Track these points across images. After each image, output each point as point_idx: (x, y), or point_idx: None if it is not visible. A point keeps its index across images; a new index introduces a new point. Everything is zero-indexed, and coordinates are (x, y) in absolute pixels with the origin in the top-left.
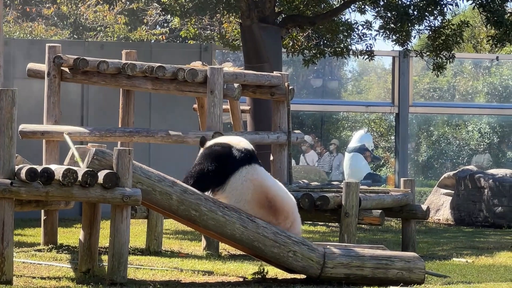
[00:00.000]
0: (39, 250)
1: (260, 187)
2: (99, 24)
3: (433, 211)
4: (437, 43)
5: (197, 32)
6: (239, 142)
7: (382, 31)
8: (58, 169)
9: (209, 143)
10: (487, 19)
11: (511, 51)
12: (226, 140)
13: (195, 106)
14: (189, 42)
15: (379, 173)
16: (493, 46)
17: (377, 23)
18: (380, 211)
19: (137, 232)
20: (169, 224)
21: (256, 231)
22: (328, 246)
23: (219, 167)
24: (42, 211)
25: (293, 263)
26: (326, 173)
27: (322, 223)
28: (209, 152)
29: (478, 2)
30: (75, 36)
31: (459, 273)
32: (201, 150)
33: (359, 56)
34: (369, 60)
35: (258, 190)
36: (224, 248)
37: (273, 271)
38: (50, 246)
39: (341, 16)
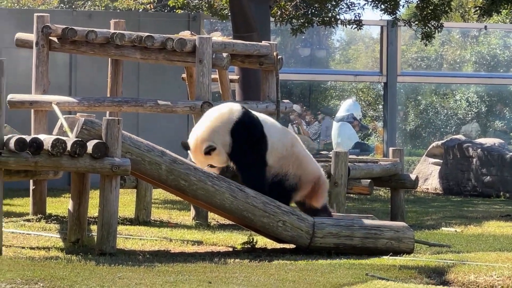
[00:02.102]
0: (28, 220)
1: None
2: None
3: (421, 181)
4: (425, 12)
5: (185, 1)
6: None
7: (370, 0)
8: (47, 139)
9: None
10: None
11: (499, 21)
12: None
13: (184, 75)
14: (177, 11)
15: (367, 142)
16: (481, 16)
17: None
18: (369, 180)
19: (126, 202)
20: (158, 194)
21: (246, 200)
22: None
23: None
24: (31, 181)
25: (282, 233)
26: (314, 142)
27: None
28: None
29: None
30: (63, 5)
31: (448, 242)
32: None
33: (347, 26)
34: (357, 30)
35: None
36: (213, 218)
37: (262, 241)
38: (39, 216)
39: None
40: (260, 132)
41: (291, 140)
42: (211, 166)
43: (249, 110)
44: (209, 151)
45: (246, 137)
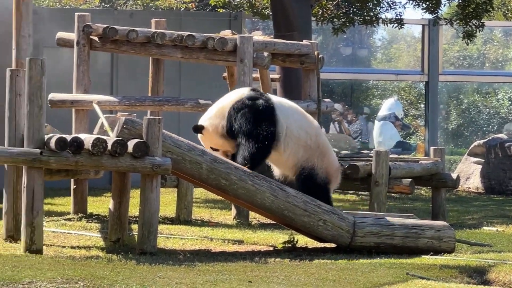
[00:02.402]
0: (69, 220)
1: None
2: None
3: (463, 180)
4: (466, 11)
5: (226, 0)
6: None
7: None
8: (87, 138)
9: None
10: None
11: None
12: None
13: (225, 75)
14: (218, 10)
15: (409, 141)
16: None
17: None
18: (410, 179)
19: (167, 201)
20: (199, 193)
21: (286, 200)
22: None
23: None
24: (72, 180)
25: (323, 232)
26: (355, 140)
27: (352, 191)
28: None
29: None
30: (104, 4)
31: (489, 242)
32: None
33: (389, 25)
34: (399, 29)
35: None
36: (255, 217)
37: (303, 240)
38: (80, 215)
39: None
40: (266, 114)
41: (316, 130)
42: (215, 149)
43: (263, 94)
44: (199, 129)
45: (248, 117)
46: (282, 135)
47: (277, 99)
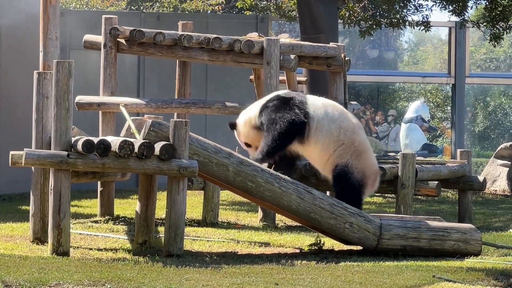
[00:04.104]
0: (96, 222)
1: None
2: None
3: (489, 182)
4: (493, 13)
5: (253, 2)
6: None
7: (438, 1)
8: (114, 141)
9: None
10: None
11: None
12: None
13: (252, 77)
14: (245, 13)
15: (435, 144)
16: None
17: None
18: (436, 182)
19: (194, 203)
20: (226, 195)
21: (313, 202)
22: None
23: None
24: (99, 182)
25: (349, 235)
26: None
27: (379, 194)
28: None
29: None
30: (131, 7)
31: None
32: None
33: (415, 27)
34: (425, 31)
35: None
36: (281, 219)
37: (329, 243)
38: (106, 217)
39: None
40: (295, 105)
41: (353, 126)
42: (248, 145)
43: (299, 93)
44: (233, 125)
45: (276, 106)
46: (313, 128)
47: (312, 96)
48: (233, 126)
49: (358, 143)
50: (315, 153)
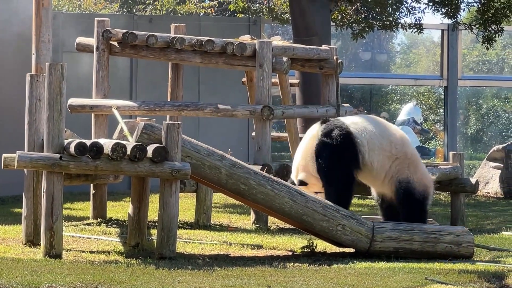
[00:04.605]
0: (88, 224)
1: None
2: None
3: (482, 185)
4: (486, 16)
5: (246, 5)
6: None
7: (431, 4)
8: (107, 143)
9: None
10: None
11: None
12: None
13: (244, 79)
14: (238, 15)
15: (428, 146)
16: None
17: None
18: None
19: (186, 206)
20: (218, 198)
21: (305, 205)
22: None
23: None
24: (91, 185)
25: (342, 237)
26: None
27: (371, 196)
28: None
29: None
30: (124, 10)
31: (508, 247)
32: None
33: (408, 30)
34: (418, 34)
35: None
36: (273, 221)
37: (322, 245)
38: (99, 220)
39: None
40: (343, 145)
41: (401, 139)
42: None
43: (335, 122)
44: (302, 183)
45: (328, 154)
46: (366, 152)
47: (350, 120)
48: (302, 183)
49: (410, 155)
50: (372, 174)
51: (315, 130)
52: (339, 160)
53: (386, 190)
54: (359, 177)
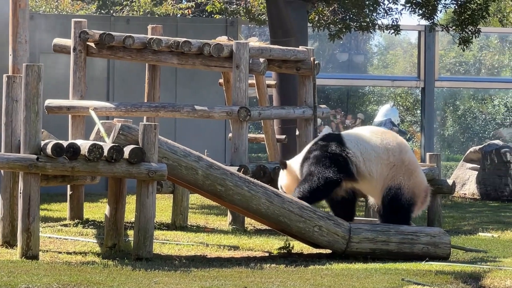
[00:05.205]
0: (65, 225)
1: None
2: None
3: (459, 186)
4: (463, 17)
5: (223, 6)
6: None
7: (408, 5)
8: (84, 144)
9: None
10: None
11: None
12: None
13: (221, 81)
14: (215, 16)
15: None
16: None
17: None
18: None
19: (163, 207)
20: (195, 198)
21: (282, 206)
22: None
23: None
24: (68, 186)
25: (318, 238)
26: None
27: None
28: None
29: None
30: (101, 11)
31: (485, 248)
32: None
33: (385, 31)
34: (395, 35)
35: None
36: (250, 223)
37: (298, 246)
38: (76, 221)
39: None
40: (335, 151)
41: (399, 146)
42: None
43: (334, 133)
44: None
45: (314, 161)
46: (360, 162)
47: (347, 132)
48: (284, 165)
49: (408, 162)
50: (372, 184)
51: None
52: (325, 165)
53: (379, 198)
54: (360, 188)
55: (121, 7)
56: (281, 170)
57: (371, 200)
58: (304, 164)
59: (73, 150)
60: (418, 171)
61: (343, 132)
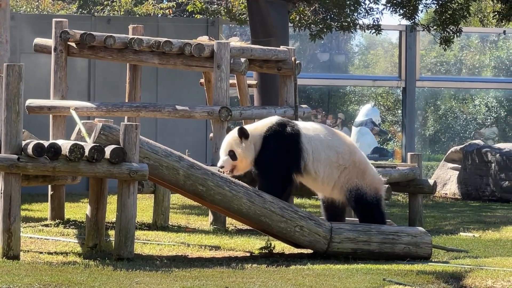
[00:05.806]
0: (46, 225)
1: None
2: None
3: (440, 186)
4: (444, 17)
5: (203, 6)
6: None
7: (389, 5)
8: (65, 144)
9: None
10: None
11: None
12: None
13: (202, 80)
14: (196, 16)
15: (386, 147)
16: (499, 21)
17: None
18: (387, 185)
19: (144, 207)
20: (176, 199)
21: (263, 206)
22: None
23: None
24: (49, 186)
25: (300, 238)
26: None
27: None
28: None
29: None
30: (82, 10)
31: (466, 247)
32: None
33: (366, 30)
34: (376, 35)
35: None
36: (231, 223)
37: (280, 246)
38: (57, 221)
39: None
40: (290, 142)
41: (349, 148)
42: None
43: (290, 121)
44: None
45: (272, 146)
46: (310, 161)
47: (303, 125)
48: (246, 136)
49: (358, 163)
50: (317, 183)
51: (272, 121)
52: (282, 158)
53: (337, 196)
54: (302, 181)
55: (102, 7)
56: (238, 140)
57: (320, 195)
58: (264, 151)
59: (54, 150)
60: (369, 167)
61: (302, 125)
